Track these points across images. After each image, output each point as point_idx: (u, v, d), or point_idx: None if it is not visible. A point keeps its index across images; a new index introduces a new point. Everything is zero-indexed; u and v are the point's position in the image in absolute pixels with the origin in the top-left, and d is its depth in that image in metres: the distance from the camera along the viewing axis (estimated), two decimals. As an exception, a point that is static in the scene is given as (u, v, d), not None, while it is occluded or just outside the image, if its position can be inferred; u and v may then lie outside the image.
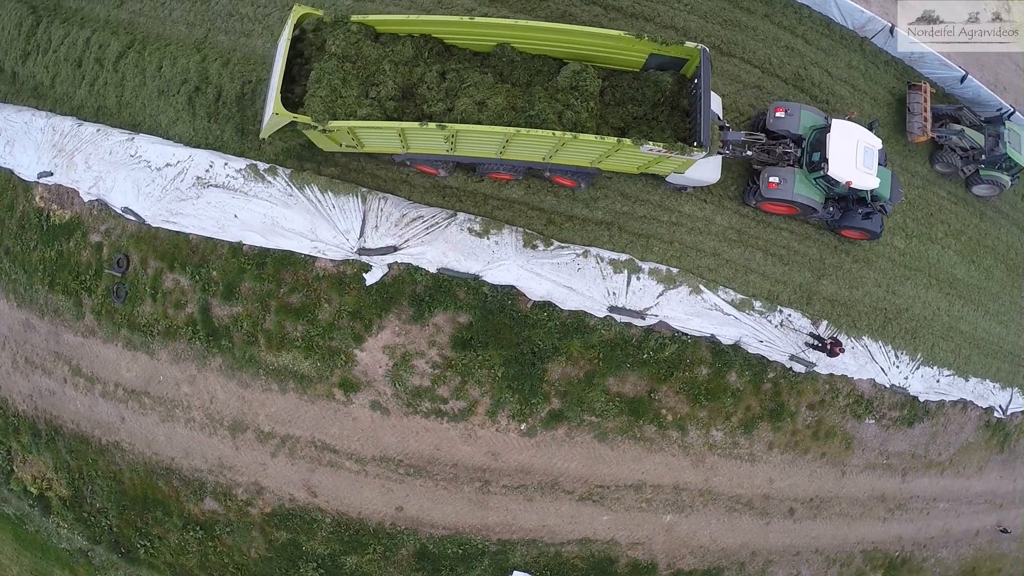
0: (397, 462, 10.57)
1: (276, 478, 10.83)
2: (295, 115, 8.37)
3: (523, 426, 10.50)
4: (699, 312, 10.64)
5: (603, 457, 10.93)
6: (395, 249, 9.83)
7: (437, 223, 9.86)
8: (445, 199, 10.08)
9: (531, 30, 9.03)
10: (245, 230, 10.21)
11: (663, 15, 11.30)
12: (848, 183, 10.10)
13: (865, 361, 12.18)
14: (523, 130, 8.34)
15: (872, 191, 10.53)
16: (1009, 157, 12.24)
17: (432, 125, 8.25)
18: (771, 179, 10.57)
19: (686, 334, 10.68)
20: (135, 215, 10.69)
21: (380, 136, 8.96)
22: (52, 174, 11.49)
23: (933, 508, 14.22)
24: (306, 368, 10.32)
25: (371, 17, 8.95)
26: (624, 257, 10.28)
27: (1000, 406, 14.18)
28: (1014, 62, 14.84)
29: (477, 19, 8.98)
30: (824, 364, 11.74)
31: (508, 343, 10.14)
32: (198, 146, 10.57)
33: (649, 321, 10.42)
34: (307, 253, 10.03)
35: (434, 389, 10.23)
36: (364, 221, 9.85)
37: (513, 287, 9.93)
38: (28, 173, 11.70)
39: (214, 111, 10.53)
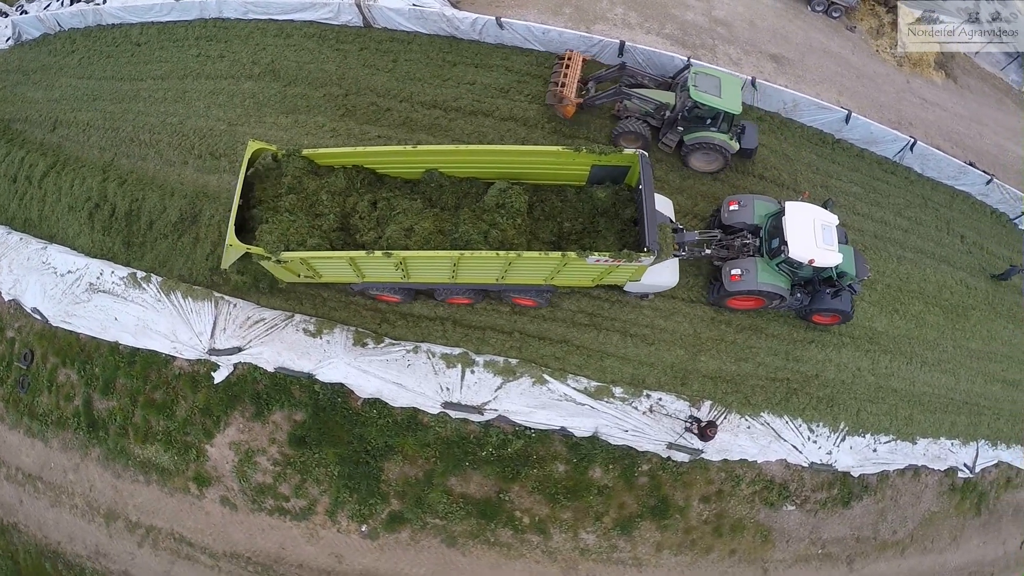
0: (246, 559, 11.48)
1: (143, 568, 12.09)
2: (249, 247, 9.02)
3: (364, 528, 11.10)
4: (545, 404, 10.97)
5: (454, 563, 11.22)
6: (239, 350, 11.21)
7: (276, 324, 11.19)
8: (288, 303, 11.41)
9: (461, 154, 9.73)
10: (121, 331, 12.08)
11: (502, 108, 12.51)
12: (811, 261, 10.45)
13: (768, 440, 11.73)
14: (467, 252, 8.87)
15: (837, 268, 10.78)
16: (717, 110, 10.75)
17: (378, 253, 8.78)
18: (733, 272, 10.92)
19: (530, 428, 10.95)
20: (41, 315, 12.91)
21: (333, 266, 9.65)
22: (-19, 275, 14.05)
23: (902, 594, 13.01)
24: (166, 461, 11.73)
25: (320, 151, 9.89)
26: (457, 351, 10.98)
27: (965, 464, 13.06)
28: (917, 95, 14.45)
29: (406, 147, 9.76)
30: (715, 450, 11.43)
31: (341, 441, 11.03)
32: (94, 256, 12.76)
33: (488, 416, 10.85)
34: (168, 353, 11.69)
35: (276, 486, 11.23)
36: (215, 324, 11.34)
37: (343, 384, 10.86)
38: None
39: (108, 225, 12.78)
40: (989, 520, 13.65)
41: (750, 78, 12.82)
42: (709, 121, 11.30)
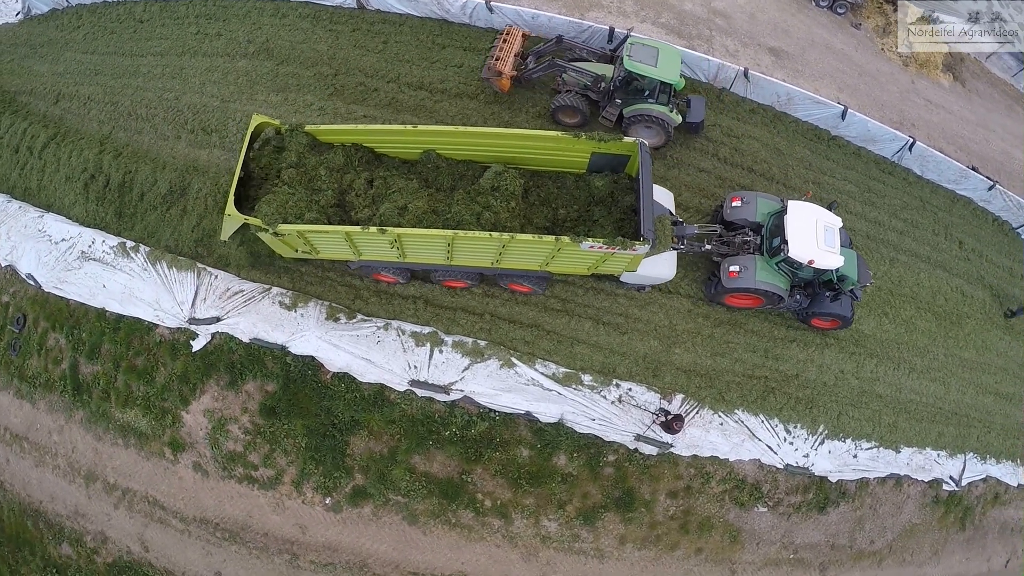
0: (215, 525, 11.89)
1: (117, 529, 12.59)
2: (247, 217, 9.21)
3: (328, 500, 11.40)
4: (511, 387, 11.12)
5: (415, 542, 11.43)
6: (218, 319, 11.63)
7: (254, 296, 11.59)
8: (267, 276, 11.77)
9: (460, 135, 9.87)
10: (109, 298, 12.62)
11: (487, 91, 12.75)
12: (810, 262, 10.39)
13: (742, 439, 11.66)
14: (460, 232, 8.93)
15: (838, 271, 10.72)
16: (654, 81, 10.58)
17: (374, 229, 8.93)
18: (731, 268, 10.87)
19: (495, 411, 11.11)
20: (35, 281, 13.54)
21: (330, 241, 9.76)
22: (-20, 241, 14.76)
23: (874, 606, 12.89)
24: (144, 426, 12.21)
25: (322, 127, 10.12)
26: (427, 330, 11.22)
27: (951, 477, 12.84)
28: (921, 96, 14.22)
29: (406, 127, 9.93)
30: (684, 444, 11.41)
31: (309, 413, 11.37)
32: (87, 225, 13.32)
33: (454, 396, 11.06)
34: (151, 320, 12.16)
35: (246, 455, 11.62)
36: (196, 293, 11.78)
37: (314, 358, 11.18)
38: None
39: (102, 196, 13.36)
40: (974, 536, 13.42)
41: (742, 69, 12.79)
42: (648, 93, 11.18)
